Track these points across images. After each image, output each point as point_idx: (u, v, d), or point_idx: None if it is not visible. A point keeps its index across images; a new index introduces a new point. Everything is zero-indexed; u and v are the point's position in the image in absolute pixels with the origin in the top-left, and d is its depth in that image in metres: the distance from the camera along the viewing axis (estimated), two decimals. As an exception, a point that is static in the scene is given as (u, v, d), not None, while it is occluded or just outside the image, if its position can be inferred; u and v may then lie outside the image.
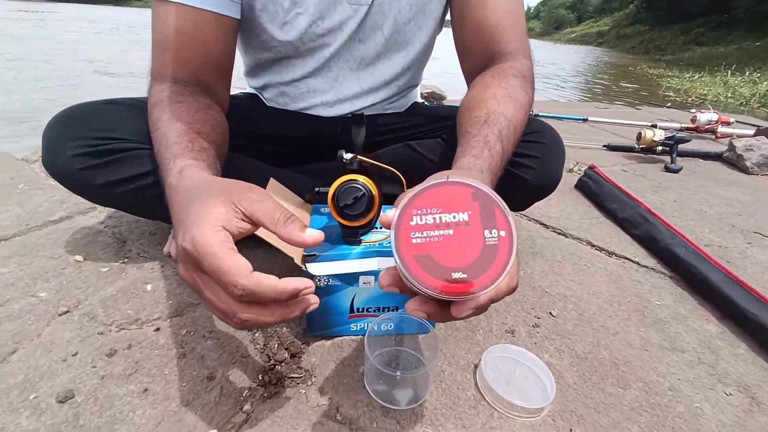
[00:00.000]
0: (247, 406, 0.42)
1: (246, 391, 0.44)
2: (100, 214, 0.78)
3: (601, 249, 0.78)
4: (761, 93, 6.20)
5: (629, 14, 30.63)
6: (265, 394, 0.44)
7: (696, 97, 6.26)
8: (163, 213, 0.51)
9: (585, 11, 51.03)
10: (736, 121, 2.15)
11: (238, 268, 0.29)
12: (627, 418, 0.44)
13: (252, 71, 0.73)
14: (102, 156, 0.54)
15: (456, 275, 0.25)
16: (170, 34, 0.51)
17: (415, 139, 0.72)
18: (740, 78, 7.83)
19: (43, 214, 0.76)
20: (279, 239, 0.45)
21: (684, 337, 0.56)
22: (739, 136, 1.63)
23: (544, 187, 0.63)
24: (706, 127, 1.73)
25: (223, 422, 0.40)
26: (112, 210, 0.78)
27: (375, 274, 0.47)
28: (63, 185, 0.56)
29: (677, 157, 1.37)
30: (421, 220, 0.26)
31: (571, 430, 0.42)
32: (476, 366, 0.48)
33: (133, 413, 0.40)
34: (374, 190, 0.46)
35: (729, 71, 8.78)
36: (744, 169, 1.33)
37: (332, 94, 0.68)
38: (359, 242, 0.48)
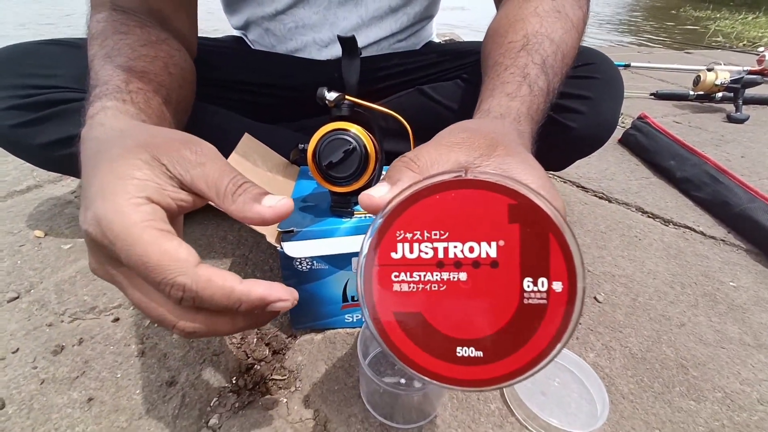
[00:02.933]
0: (213, 420, 0.34)
1: (215, 400, 0.35)
2: (73, 182, 0.69)
3: (655, 216, 0.65)
4: (831, 34, 5.49)
5: (674, -52, 27.41)
6: (237, 404, 0.35)
7: (748, 41, 5.60)
8: None
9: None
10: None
11: (172, 259, 0.19)
12: (704, 443, 0.33)
13: (230, 4, 0.60)
14: (39, 109, 0.44)
15: (464, 352, 0.15)
16: None
17: (430, 83, 0.59)
18: (805, 14, 6.96)
19: (8, 183, 0.68)
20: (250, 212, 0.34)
21: (771, 329, 0.44)
22: (816, 79, 1.37)
23: (596, 138, 0.49)
24: (776, 68, 1.47)
25: (182, 440, 0.32)
26: (85, 177, 0.69)
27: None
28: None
29: (743, 105, 1.16)
30: (410, 252, 0.15)
31: (629, 460, 0.32)
32: (502, 369, 0.38)
33: (71, 430, 0.32)
34: (369, 144, 0.34)
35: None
36: (825, 117, 1.12)
37: (326, 28, 0.55)
38: (351, 214, 0.37)
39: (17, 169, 0.72)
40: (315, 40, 0.56)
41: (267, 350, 0.40)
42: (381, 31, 0.57)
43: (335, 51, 0.56)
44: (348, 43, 0.47)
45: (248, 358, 0.40)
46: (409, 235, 0.15)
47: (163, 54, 0.37)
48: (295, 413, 0.34)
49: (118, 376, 0.37)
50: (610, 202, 0.69)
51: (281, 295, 0.20)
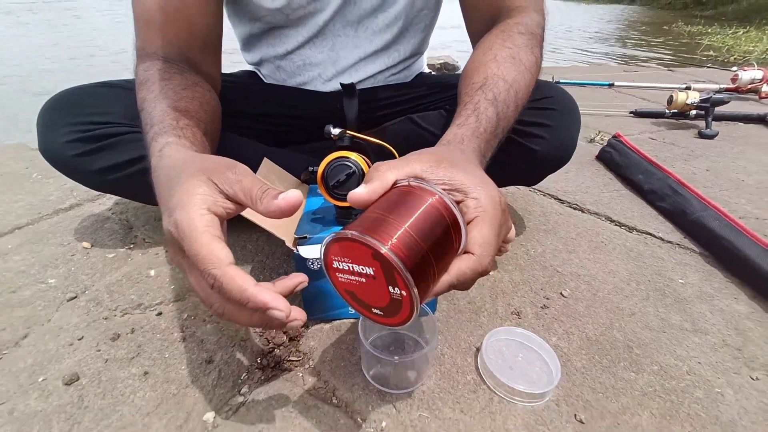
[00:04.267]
0: (244, 389, 0.42)
1: (244, 374, 0.44)
2: (108, 201, 0.79)
3: (621, 224, 0.73)
4: (821, 47, 5.63)
5: (667, -34, 28.11)
6: (263, 378, 0.43)
7: (739, 55, 5.74)
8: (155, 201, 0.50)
9: (617, -35, 47.19)
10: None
11: (214, 257, 0.28)
12: (638, 403, 0.41)
13: (246, 45, 0.70)
14: (95, 141, 0.53)
15: (375, 311, 0.29)
16: (153, 9, 0.49)
17: (418, 112, 0.68)
18: (795, 29, 7.12)
19: (53, 202, 0.78)
20: (267, 220, 0.43)
21: (708, 317, 0.52)
22: (787, 95, 1.48)
23: (557, 159, 0.58)
24: (749, 86, 1.58)
25: (220, 405, 0.40)
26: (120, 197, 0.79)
27: (370, 256, 0.45)
28: (61, 172, 0.57)
29: (714, 122, 1.25)
30: (340, 265, 0.28)
31: (575, 415, 0.40)
32: (478, 349, 0.46)
33: (134, 395, 0.41)
34: (365, 168, 0.43)
35: (776, 23, 7.99)
36: (790, 132, 1.21)
37: (329, 65, 0.65)
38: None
39: (59, 190, 0.82)
40: (320, 75, 0.66)
41: (285, 337, 0.49)
42: (376, 66, 0.67)
43: (337, 84, 0.66)
44: (348, 87, 0.57)
45: (269, 343, 0.48)
46: (337, 258, 0.28)
47: (198, 95, 0.47)
48: (309, 384, 0.43)
49: (166, 356, 0.45)
50: (582, 212, 0.77)
51: (278, 305, 0.28)
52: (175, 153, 0.36)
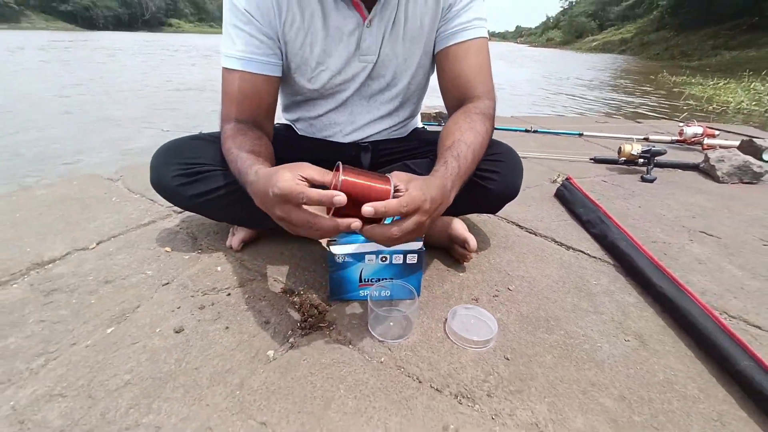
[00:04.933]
0: (291, 339, 0.65)
1: (290, 331, 0.66)
2: (175, 219, 1.04)
3: (561, 244, 0.98)
4: (787, 100, 6.07)
5: (653, 20, 30.10)
6: (302, 333, 0.66)
7: (718, 104, 6.20)
8: (228, 216, 0.77)
9: (606, 19, 50.36)
10: (732, 132, 2.27)
11: (301, 188, 0.49)
12: (546, 350, 0.64)
13: (287, 108, 0.97)
14: (191, 176, 0.79)
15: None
16: (235, 91, 0.76)
17: (412, 159, 0.94)
18: (768, 83, 7.64)
19: (135, 219, 1.03)
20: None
21: (606, 304, 0.76)
22: (723, 147, 1.76)
23: (506, 195, 0.83)
24: (693, 139, 1.88)
25: (277, 346, 0.63)
26: (184, 216, 1.04)
27: (375, 253, 0.69)
28: (163, 197, 0.82)
29: (658, 168, 1.53)
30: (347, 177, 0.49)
31: (504, 356, 0.62)
32: (446, 319, 0.69)
33: (221, 339, 0.64)
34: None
35: (754, 76, 8.56)
36: (716, 179, 1.48)
37: (348, 124, 0.91)
38: (365, 233, 0.70)
39: (137, 210, 1.07)
40: (341, 131, 0.93)
41: (316, 311, 0.71)
42: (382, 126, 0.93)
43: (353, 137, 0.92)
44: (364, 146, 0.84)
45: (305, 315, 0.71)
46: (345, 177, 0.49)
47: (264, 144, 0.73)
48: (333, 337, 0.65)
49: (238, 319, 0.68)
50: (535, 235, 1.02)
51: (337, 195, 0.49)
52: (262, 170, 0.60)
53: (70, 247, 0.88)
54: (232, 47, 0.74)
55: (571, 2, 75.74)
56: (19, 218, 1.00)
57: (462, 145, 0.67)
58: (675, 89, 8.01)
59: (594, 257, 0.92)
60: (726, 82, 8.60)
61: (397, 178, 0.53)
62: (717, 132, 1.94)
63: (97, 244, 0.90)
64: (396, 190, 0.51)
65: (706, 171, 1.54)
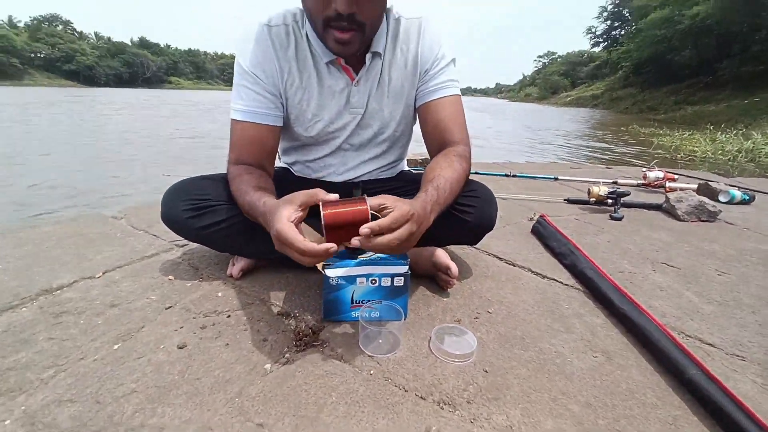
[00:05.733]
0: (287, 355, 0.70)
1: (286, 348, 0.72)
2: (177, 251, 1.10)
3: (537, 273, 1.06)
4: (747, 149, 6.59)
5: (620, 78, 32.73)
6: (297, 350, 0.71)
7: (685, 153, 6.67)
8: (230, 246, 0.86)
9: (577, 77, 54.56)
10: (692, 177, 2.47)
11: (299, 240, 0.58)
12: (521, 364, 0.70)
13: (286, 152, 1.09)
14: (200, 210, 0.87)
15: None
16: (242, 139, 0.87)
17: (399, 197, 1.05)
18: (730, 134, 8.28)
19: (139, 252, 1.09)
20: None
21: (576, 325, 0.83)
22: (683, 190, 1.94)
23: (483, 226, 0.93)
24: (655, 182, 2.05)
25: (274, 361, 0.68)
26: (186, 248, 1.10)
27: (366, 276, 0.77)
28: (172, 229, 0.89)
29: (625, 208, 1.67)
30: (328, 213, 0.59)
31: (483, 369, 0.68)
32: (430, 337, 0.75)
33: (221, 354, 0.69)
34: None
35: (715, 129, 9.28)
36: (677, 217, 1.62)
37: (341, 166, 1.02)
38: (356, 257, 0.78)
39: (140, 244, 1.14)
40: (334, 171, 1.04)
41: (310, 331, 0.77)
42: (372, 166, 1.05)
43: (345, 177, 1.02)
44: (356, 184, 0.94)
45: (300, 334, 0.76)
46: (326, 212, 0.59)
47: (267, 182, 0.83)
48: (327, 353, 0.71)
49: (238, 337, 0.73)
50: (514, 266, 1.11)
51: (332, 249, 0.59)
52: (269, 201, 0.69)
53: (78, 275, 0.93)
54: (240, 102, 0.86)
55: (545, 63, 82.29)
56: (28, 252, 1.05)
57: (441, 179, 0.78)
58: (645, 140, 8.61)
59: (566, 284, 1.01)
60: (690, 133, 9.29)
61: (385, 198, 0.63)
62: (676, 176, 2.13)
63: (104, 273, 0.95)
64: (384, 208, 0.61)
65: (668, 210, 1.68)
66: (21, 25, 71.22)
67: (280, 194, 0.95)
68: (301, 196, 0.63)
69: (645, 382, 0.68)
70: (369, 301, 0.79)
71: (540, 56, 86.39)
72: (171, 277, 0.95)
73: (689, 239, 1.41)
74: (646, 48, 24.92)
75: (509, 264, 1.12)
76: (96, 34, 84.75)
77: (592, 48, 52.34)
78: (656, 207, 1.74)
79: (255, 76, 0.85)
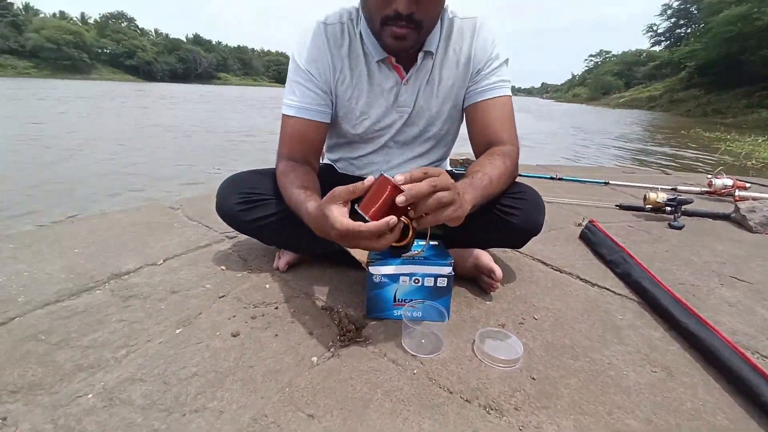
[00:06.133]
0: (332, 349, 0.71)
1: (330, 342, 0.73)
2: (228, 243, 1.16)
3: (586, 281, 1.01)
4: (832, 158, 5.87)
5: (682, 79, 30.35)
6: (341, 345, 0.73)
7: (757, 160, 6.06)
8: (278, 240, 0.90)
9: (633, 77, 51.24)
10: (764, 185, 2.24)
11: (353, 226, 0.59)
12: (571, 374, 0.67)
13: (331, 149, 1.11)
14: (250, 203, 0.91)
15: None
16: (291, 134, 0.90)
17: None
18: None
19: (194, 242, 1.16)
20: (354, 252, 0.77)
21: (632, 337, 0.78)
22: (756, 199, 1.76)
23: (528, 230, 0.90)
24: (723, 190, 1.88)
25: (319, 354, 0.70)
26: (235, 240, 1.16)
27: (409, 276, 0.77)
28: (225, 221, 0.94)
29: (686, 217, 1.55)
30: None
31: (531, 376, 0.66)
32: (474, 340, 0.74)
33: (271, 344, 0.72)
34: (411, 227, 0.77)
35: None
36: (749, 229, 1.48)
37: (384, 164, 1.03)
38: (400, 255, 0.78)
39: (195, 234, 1.21)
40: (378, 169, 1.05)
41: (353, 327, 0.78)
42: (415, 164, 1.04)
43: (389, 175, 1.04)
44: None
45: (344, 329, 0.78)
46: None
47: (312, 178, 0.85)
48: (369, 350, 0.72)
49: (286, 329, 0.76)
50: (560, 272, 1.06)
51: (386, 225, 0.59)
52: (310, 207, 0.71)
53: (142, 262, 1.01)
54: (293, 98, 0.89)
55: (596, 62, 78.10)
56: (99, 237, 1.15)
57: (478, 173, 0.77)
58: (710, 145, 7.92)
59: (619, 294, 0.95)
60: (765, 138, 8.42)
61: (414, 172, 0.62)
62: (748, 184, 1.94)
63: (164, 260, 1.03)
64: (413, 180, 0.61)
65: (738, 221, 1.54)
66: (91, 21, 78.13)
67: (324, 191, 0.98)
68: (343, 193, 0.63)
69: (714, 403, 0.63)
70: (411, 300, 0.79)
71: (592, 55, 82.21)
72: (223, 267, 1.00)
73: (763, 252, 1.28)
74: (716, 47, 22.94)
75: (555, 270, 1.08)
76: (156, 30, 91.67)
77: (651, 47, 49.08)
78: (723, 217, 1.59)
79: (309, 73, 0.88)
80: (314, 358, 0.69)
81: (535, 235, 0.91)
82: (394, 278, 0.77)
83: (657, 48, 47.14)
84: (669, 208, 1.56)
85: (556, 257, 1.15)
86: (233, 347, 0.70)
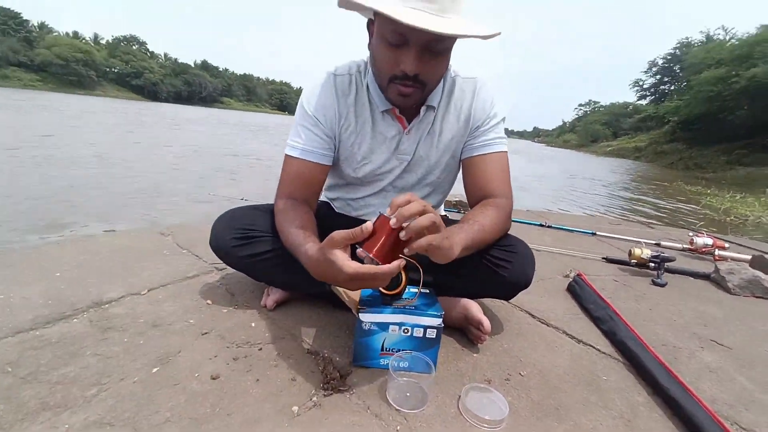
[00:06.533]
0: (315, 398, 0.70)
1: (313, 390, 0.72)
2: (216, 275, 1.15)
3: (572, 337, 1.02)
4: (807, 217, 6.10)
5: (666, 133, 31.83)
6: (325, 394, 0.71)
7: (736, 216, 6.28)
8: (270, 277, 0.90)
9: (620, 128, 53.65)
10: (743, 246, 2.32)
11: (356, 267, 0.61)
12: (555, 439, 0.66)
13: (330, 189, 1.13)
14: (245, 240, 0.91)
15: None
16: (292, 175, 0.92)
17: None
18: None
19: (182, 272, 1.14)
20: (343, 297, 0.77)
21: (616, 401, 0.78)
22: (735, 260, 1.82)
23: (518, 284, 0.92)
24: (703, 249, 1.94)
25: (301, 403, 0.68)
26: (224, 273, 1.15)
27: (399, 325, 0.77)
28: (218, 256, 0.94)
29: (669, 274, 1.58)
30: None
31: (514, 439, 0.65)
32: (459, 396, 0.73)
33: (252, 390, 0.70)
34: (403, 275, 0.78)
35: (772, 193, 8.70)
36: (727, 290, 1.52)
37: (382, 207, 1.05)
38: (391, 303, 0.79)
39: (184, 264, 1.20)
40: (375, 212, 1.06)
41: (338, 374, 0.77)
42: (411, 211, 1.07)
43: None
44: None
45: (328, 377, 0.76)
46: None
47: (311, 218, 0.86)
48: (353, 401, 0.70)
49: (268, 373, 0.74)
50: (547, 325, 1.07)
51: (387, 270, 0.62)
52: (310, 251, 0.72)
53: (126, 291, 0.99)
54: (298, 140, 0.92)
55: (586, 111, 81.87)
56: (85, 261, 1.13)
57: (470, 220, 0.81)
58: (693, 198, 8.20)
59: (604, 353, 0.96)
60: (742, 195, 8.77)
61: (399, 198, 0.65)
62: (727, 244, 2.00)
63: (149, 290, 1.01)
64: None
65: (717, 281, 1.58)
66: (103, 42, 79.99)
67: (319, 227, 0.99)
68: (343, 239, 0.64)
69: (694, 479, 0.62)
70: (399, 350, 0.78)
71: (581, 104, 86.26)
72: (209, 301, 0.99)
73: (742, 316, 1.31)
74: (698, 105, 24.34)
75: (542, 323, 1.08)
76: (165, 54, 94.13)
77: (637, 100, 51.82)
78: (704, 276, 1.64)
79: (316, 119, 0.91)
80: (295, 408, 0.67)
81: (525, 288, 0.92)
82: (383, 327, 0.77)
83: (643, 102, 49.84)
84: (653, 264, 1.60)
85: (544, 309, 1.16)
86: (211, 391, 0.68)
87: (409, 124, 0.93)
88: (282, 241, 0.84)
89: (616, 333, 0.99)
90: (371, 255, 0.61)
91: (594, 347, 0.98)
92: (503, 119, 0.97)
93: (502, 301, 1.16)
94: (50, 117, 10.48)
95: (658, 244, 2.03)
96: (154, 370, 0.72)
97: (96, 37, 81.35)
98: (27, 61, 55.70)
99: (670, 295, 1.43)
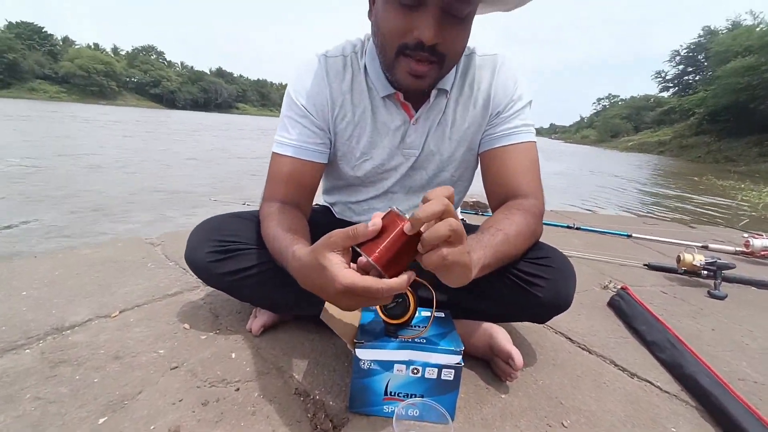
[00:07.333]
0: (297, 461, 0.54)
1: (298, 449, 0.56)
2: (201, 292, 1.01)
3: (623, 369, 0.83)
4: None
5: (691, 126, 30.52)
6: (312, 455, 0.56)
7: (777, 212, 5.83)
8: (255, 298, 0.74)
9: (641, 122, 51.75)
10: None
11: (373, 283, 0.46)
12: None
13: (328, 191, 0.98)
14: (225, 254, 0.76)
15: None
16: (280, 174, 0.77)
17: None
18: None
19: (163, 288, 1.01)
20: (335, 327, 0.61)
21: (695, 465, 0.59)
22: (801, 265, 1.57)
23: (557, 305, 0.74)
24: (762, 252, 1.70)
25: (279, 470, 0.52)
26: (210, 290, 1.01)
27: (407, 363, 0.60)
28: (194, 272, 0.79)
29: (724, 283, 1.36)
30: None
31: None
32: (486, 459, 0.56)
33: (218, 451, 0.54)
34: (411, 298, 0.62)
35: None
36: (802, 302, 1.28)
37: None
38: (396, 336, 0.62)
39: (167, 279, 1.06)
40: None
41: (330, 424, 0.61)
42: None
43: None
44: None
45: (318, 428, 0.61)
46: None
47: (302, 223, 0.71)
48: (348, 466, 0.54)
49: (242, 424, 0.59)
50: (589, 353, 0.88)
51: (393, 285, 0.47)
52: (301, 253, 0.56)
53: (93, 313, 0.86)
54: (285, 135, 0.77)
55: (605, 105, 79.58)
56: (57, 277, 1.01)
57: (491, 228, 0.64)
58: (726, 193, 7.72)
59: (667, 392, 0.76)
60: (782, 189, 8.21)
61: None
62: (791, 247, 1.75)
63: (120, 312, 0.87)
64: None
65: (788, 292, 1.35)
66: (123, 53, 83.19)
67: (317, 237, 0.84)
68: (342, 239, 0.48)
69: None
70: (407, 395, 0.62)
71: (600, 98, 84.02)
72: (187, 325, 0.85)
73: (828, 336, 1.08)
74: (725, 95, 23.24)
75: (584, 349, 0.90)
76: (182, 63, 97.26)
77: (660, 93, 49.98)
78: (770, 285, 1.40)
79: (304, 109, 0.76)
80: (271, 478, 0.51)
81: (564, 310, 0.74)
82: (386, 365, 0.61)
83: (665, 94, 48.01)
84: (706, 272, 1.38)
85: (583, 331, 0.97)
86: (166, 454, 0.53)
87: (416, 112, 0.77)
88: (268, 250, 0.69)
89: (681, 365, 0.80)
90: (371, 258, 0.46)
91: (653, 384, 0.79)
92: (530, 102, 0.80)
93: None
94: (87, 127, 10.79)
95: (706, 247, 1.79)
96: (101, 420, 0.58)
97: (115, 48, 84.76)
98: (52, 74, 58.80)
99: (734, 310, 1.21)
